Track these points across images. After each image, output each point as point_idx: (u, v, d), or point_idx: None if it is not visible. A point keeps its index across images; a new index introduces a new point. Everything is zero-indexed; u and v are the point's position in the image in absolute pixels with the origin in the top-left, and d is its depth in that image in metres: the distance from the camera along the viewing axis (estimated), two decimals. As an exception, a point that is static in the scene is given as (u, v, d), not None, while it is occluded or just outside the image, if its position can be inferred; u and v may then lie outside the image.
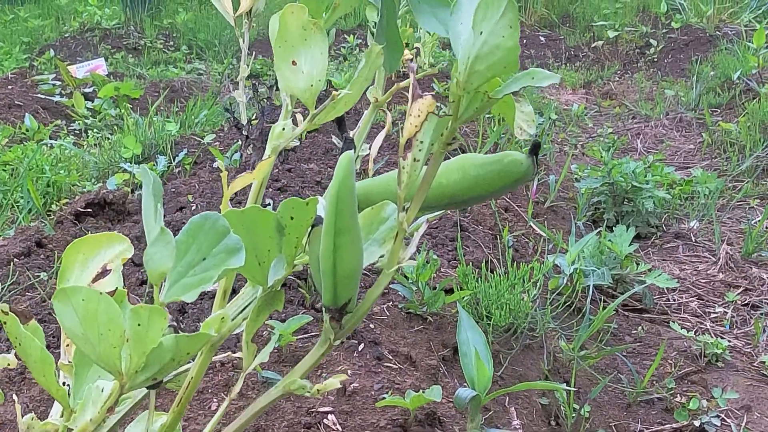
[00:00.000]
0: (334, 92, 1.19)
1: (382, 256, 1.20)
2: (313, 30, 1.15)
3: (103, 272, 1.22)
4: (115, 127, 4.64)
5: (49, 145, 4.08)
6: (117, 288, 1.16)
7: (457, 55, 1.05)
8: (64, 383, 1.25)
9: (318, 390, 1.20)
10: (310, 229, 1.15)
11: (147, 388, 1.06)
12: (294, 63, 1.16)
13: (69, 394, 1.17)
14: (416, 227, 1.22)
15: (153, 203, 1.08)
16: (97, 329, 0.99)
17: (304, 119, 1.23)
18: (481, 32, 1.00)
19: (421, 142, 1.11)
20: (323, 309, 1.17)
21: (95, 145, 4.24)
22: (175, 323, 1.10)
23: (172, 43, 7.63)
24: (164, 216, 2.79)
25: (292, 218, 1.13)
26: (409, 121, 1.09)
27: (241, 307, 1.27)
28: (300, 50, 1.16)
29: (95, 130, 4.63)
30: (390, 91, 1.34)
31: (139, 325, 0.99)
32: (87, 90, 5.30)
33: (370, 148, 1.42)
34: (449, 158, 1.26)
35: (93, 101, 5.04)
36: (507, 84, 1.06)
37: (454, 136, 1.12)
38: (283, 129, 1.21)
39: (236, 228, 1.08)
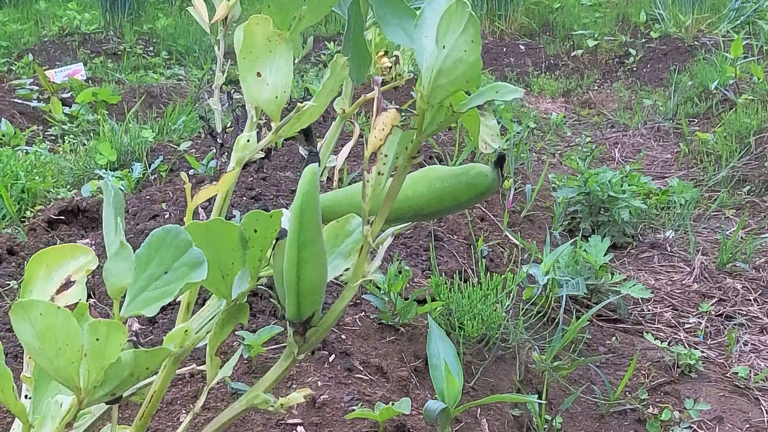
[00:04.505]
0: (299, 104, 1.18)
1: (347, 269, 1.20)
2: (278, 41, 1.14)
3: (67, 284, 1.21)
4: (92, 133, 4.61)
5: (24, 150, 4.05)
6: (80, 301, 1.15)
7: (422, 68, 1.04)
8: (26, 396, 1.23)
9: (282, 404, 1.19)
10: (274, 241, 1.15)
11: (106, 403, 1.04)
12: (259, 74, 1.15)
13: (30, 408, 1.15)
14: (381, 240, 1.22)
15: (113, 216, 1.07)
16: (55, 344, 0.98)
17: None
18: (444, 46, 0.99)
19: (386, 155, 1.10)
20: (287, 323, 1.16)
21: (71, 151, 4.21)
22: (135, 338, 1.09)
23: (151, 48, 7.59)
24: (138, 224, 2.78)
25: (255, 231, 1.13)
26: (373, 134, 1.09)
27: (207, 319, 1.26)
28: (265, 61, 1.15)
29: (72, 136, 4.60)
30: (357, 103, 1.33)
31: (97, 339, 0.98)
32: (65, 95, 5.27)
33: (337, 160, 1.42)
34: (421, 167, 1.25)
35: (71, 106, 5.01)
36: (471, 98, 1.05)
37: (419, 149, 1.12)
38: (248, 141, 1.20)
39: (199, 241, 1.07)
